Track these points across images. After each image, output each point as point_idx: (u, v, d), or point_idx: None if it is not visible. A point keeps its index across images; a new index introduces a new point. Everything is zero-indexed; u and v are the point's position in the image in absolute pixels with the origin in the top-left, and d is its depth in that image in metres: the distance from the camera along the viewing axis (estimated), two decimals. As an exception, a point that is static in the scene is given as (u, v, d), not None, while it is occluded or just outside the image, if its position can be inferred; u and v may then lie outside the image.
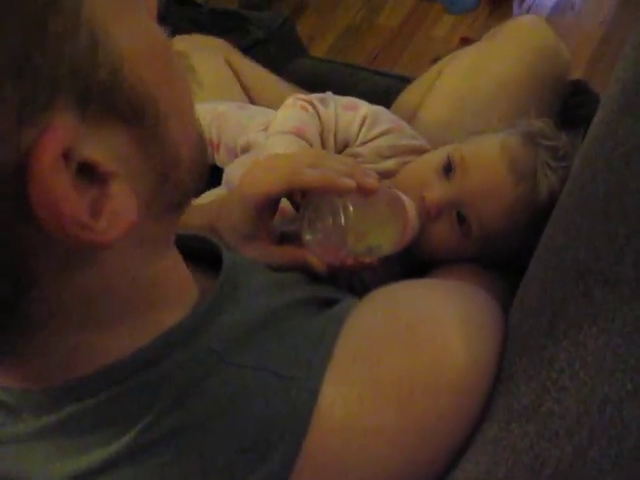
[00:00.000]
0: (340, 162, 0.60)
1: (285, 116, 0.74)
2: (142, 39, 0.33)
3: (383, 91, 1.12)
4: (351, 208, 0.55)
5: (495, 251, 0.66)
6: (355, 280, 0.68)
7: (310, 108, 0.74)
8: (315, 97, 0.76)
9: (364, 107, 0.75)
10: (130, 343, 0.39)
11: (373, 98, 1.11)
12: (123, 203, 0.32)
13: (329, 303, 0.50)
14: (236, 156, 0.88)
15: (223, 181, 0.89)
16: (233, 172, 0.86)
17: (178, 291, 0.43)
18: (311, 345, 0.43)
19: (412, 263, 0.72)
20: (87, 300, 0.36)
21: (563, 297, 0.42)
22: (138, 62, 0.32)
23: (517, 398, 0.40)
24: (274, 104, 1.03)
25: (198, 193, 0.47)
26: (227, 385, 0.41)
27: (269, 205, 0.59)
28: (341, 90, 1.16)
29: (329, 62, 1.25)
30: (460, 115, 0.84)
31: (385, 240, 0.61)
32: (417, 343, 0.44)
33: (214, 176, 0.90)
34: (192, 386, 0.40)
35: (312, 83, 1.19)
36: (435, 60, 1.02)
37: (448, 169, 0.65)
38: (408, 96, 0.95)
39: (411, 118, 0.90)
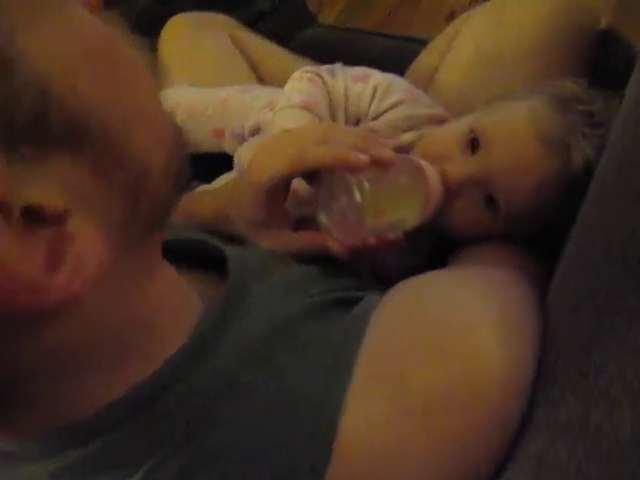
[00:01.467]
0: (351, 134, 0.55)
1: (292, 90, 0.69)
2: (70, 43, 0.27)
3: (398, 56, 1.05)
4: (366, 184, 0.51)
5: (526, 228, 0.60)
6: (378, 263, 0.64)
7: (318, 80, 0.69)
8: (323, 69, 0.70)
9: (375, 77, 0.69)
10: (127, 381, 0.35)
11: (388, 64, 1.05)
12: (86, 243, 0.27)
13: (350, 301, 0.46)
14: (245, 141, 0.84)
15: (235, 165, 0.85)
16: (244, 155, 0.82)
17: (176, 315, 0.39)
18: (329, 362, 0.38)
19: (436, 243, 0.67)
20: (65, 354, 0.31)
21: (609, 289, 0.37)
22: (70, 73, 0.26)
23: (561, 411, 0.35)
24: (283, 79, 0.98)
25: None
26: (240, 412, 0.37)
27: (279, 189, 0.55)
28: (353, 58, 1.10)
29: (339, 29, 1.19)
30: (481, 78, 0.77)
31: (407, 213, 0.56)
32: (447, 354, 0.38)
33: (224, 162, 0.87)
34: (202, 418, 0.36)
35: (323, 53, 1.13)
36: (450, 16, 0.95)
37: (473, 144, 0.59)
38: (425, 59, 0.89)
39: (428, 83, 0.84)
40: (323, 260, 0.55)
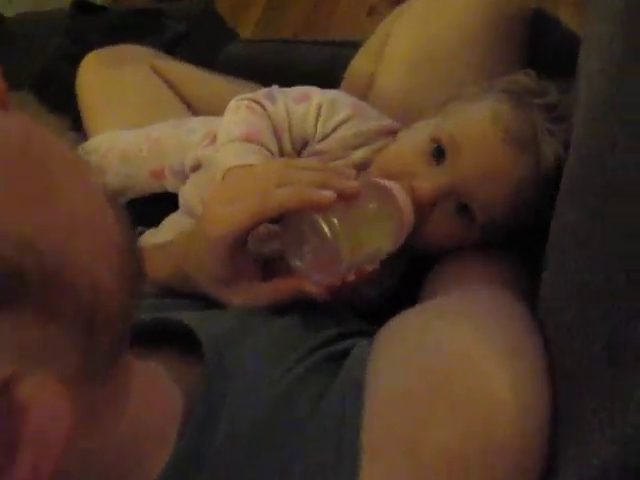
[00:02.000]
0: (310, 169, 0.51)
1: (231, 122, 0.64)
2: None
3: (329, 62, 1.02)
4: (335, 221, 0.47)
5: (502, 231, 0.58)
6: (356, 296, 0.60)
7: (257, 107, 0.64)
8: (261, 95, 0.66)
9: (317, 95, 0.65)
10: None
11: (320, 72, 1.03)
12: (45, 410, 0.22)
13: (339, 357, 0.42)
14: (186, 177, 0.79)
15: (180, 205, 0.80)
16: (189, 194, 0.78)
17: (159, 426, 0.35)
18: (332, 445, 0.35)
19: (410, 259, 0.64)
20: None
21: (620, 307, 0.34)
22: None
23: (592, 448, 0.33)
24: (213, 103, 0.93)
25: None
26: None
27: (241, 241, 0.50)
28: (283, 70, 1.07)
29: (263, 42, 1.14)
30: (422, 77, 0.74)
31: (383, 241, 0.53)
32: (457, 402, 0.35)
33: (167, 202, 0.82)
34: None
35: (249, 68, 1.09)
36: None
37: (438, 154, 0.56)
38: (359, 64, 0.85)
39: (367, 90, 0.81)
40: (299, 305, 0.51)
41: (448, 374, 0.37)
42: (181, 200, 0.80)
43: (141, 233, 0.88)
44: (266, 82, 0.99)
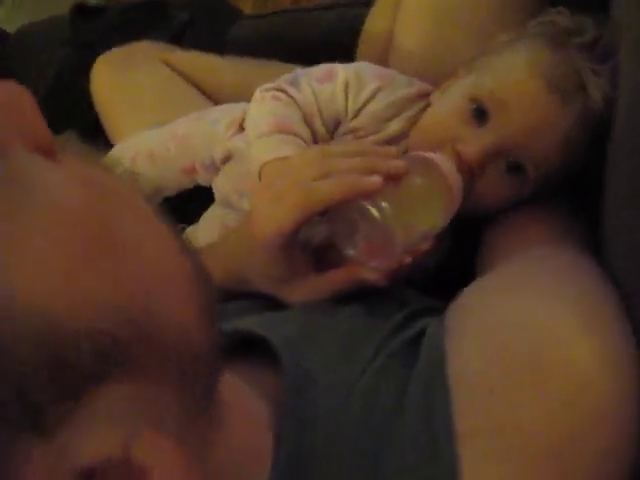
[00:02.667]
0: (350, 154, 0.49)
1: (259, 114, 0.63)
2: (55, 254, 0.21)
3: (336, 26, 0.99)
4: (385, 204, 0.46)
5: (556, 184, 0.56)
6: (413, 273, 0.59)
7: (282, 96, 0.62)
8: (284, 81, 0.64)
9: (341, 72, 0.63)
10: None
11: (339, 40, 1.00)
12: (165, 467, 0.22)
13: (412, 342, 0.42)
14: (218, 170, 0.78)
15: (216, 198, 0.80)
16: (224, 186, 0.77)
17: (253, 443, 0.34)
18: (425, 441, 0.34)
19: (463, 222, 0.63)
20: None
21: None
22: (72, 302, 0.21)
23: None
24: (234, 90, 0.91)
25: None
26: None
27: (293, 239, 0.49)
28: (298, 43, 1.04)
29: (267, 16, 1.11)
30: (444, 29, 0.71)
31: (435, 217, 0.51)
32: (543, 384, 0.34)
33: (203, 194, 0.81)
34: None
35: (261, 46, 1.06)
36: None
37: (480, 114, 0.54)
38: (374, 23, 0.82)
39: (387, 51, 0.78)
40: (358, 292, 0.50)
41: (532, 353, 0.36)
42: (216, 193, 0.79)
43: (182, 230, 0.88)
44: (278, 57, 0.97)
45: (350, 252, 0.49)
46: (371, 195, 0.45)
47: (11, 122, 0.23)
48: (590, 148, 0.52)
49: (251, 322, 0.45)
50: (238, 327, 0.43)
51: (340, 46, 0.91)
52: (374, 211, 0.45)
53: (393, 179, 0.46)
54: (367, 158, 0.47)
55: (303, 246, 0.53)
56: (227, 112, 0.79)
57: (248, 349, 0.43)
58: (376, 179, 0.44)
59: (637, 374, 0.36)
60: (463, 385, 0.36)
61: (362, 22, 0.87)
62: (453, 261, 0.65)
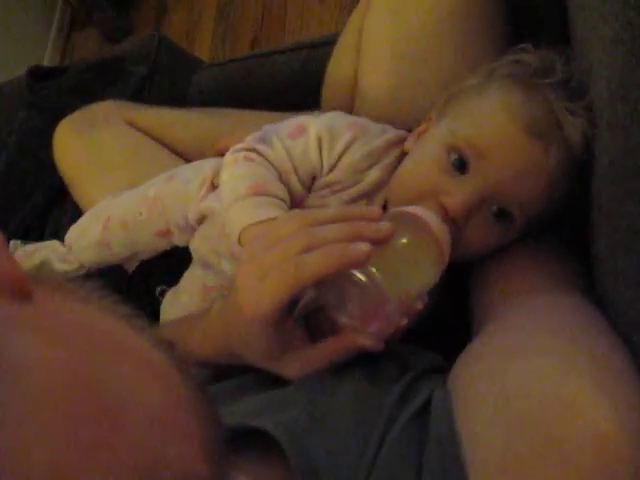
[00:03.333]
0: (333, 219, 0.47)
1: (233, 177, 0.61)
2: None
3: (299, 70, 0.98)
4: (374, 270, 0.44)
5: (542, 224, 0.55)
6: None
7: (255, 156, 0.60)
8: (254, 140, 0.62)
9: (312, 126, 0.61)
10: None
11: (293, 82, 0.99)
12: None
13: (420, 413, 0.40)
14: (194, 230, 0.76)
15: (194, 259, 0.78)
16: (200, 248, 0.75)
17: None
18: None
19: (455, 270, 0.61)
20: None
21: None
22: None
23: None
24: (201, 145, 0.90)
25: None
26: None
27: (284, 315, 0.47)
28: (255, 88, 1.03)
29: (228, 63, 1.09)
30: (408, 69, 0.70)
31: (427, 275, 0.50)
32: (565, 455, 0.33)
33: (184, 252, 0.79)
34: None
35: (222, 95, 1.06)
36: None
37: (460, 164, 0.53)
38: (338, 71, 0.81)
39: (352, 95, 0.77)
40: (357, 359, 0.49)
41: (546, 426, 0.34)
42: (194, 254, 0.77)
43: (162, 292, 0.86)
44: (241, 104, 0.96)
45: (344, 320, 0.47)
46: (363, 263, 0.44)
47: None
48: (573, 186, 0.51)
49: (252, 408, 0.42)
50: (241, 422, 0.41)
51: (307, 89, 0.91)
52: (363, 278, 0.44)
53: (380, 243, 0.45)
54: (352, 224, 0.45)
55: (295, 317, 0.51)
56: (198, 170, 0.78)
57: (251, 439, 0.40)
58: (364, 247, 0.43)
59: None
60: (480, 467, 0.34)
61: (317, 61, 0.86)
62: (446, 302, 0.63)
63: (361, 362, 0.48)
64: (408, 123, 0.65)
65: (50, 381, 0.19)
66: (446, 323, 0.65)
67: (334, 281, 0.46)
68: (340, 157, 0.60)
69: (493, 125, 0.52)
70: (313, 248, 0.44)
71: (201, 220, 0.74)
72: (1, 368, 0.18)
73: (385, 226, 0.45)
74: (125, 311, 0.25)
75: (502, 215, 0.53)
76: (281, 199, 0.58)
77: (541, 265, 0.53)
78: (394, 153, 0.61)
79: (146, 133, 0.94)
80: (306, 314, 0.54)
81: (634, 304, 0.41)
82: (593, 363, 0.37)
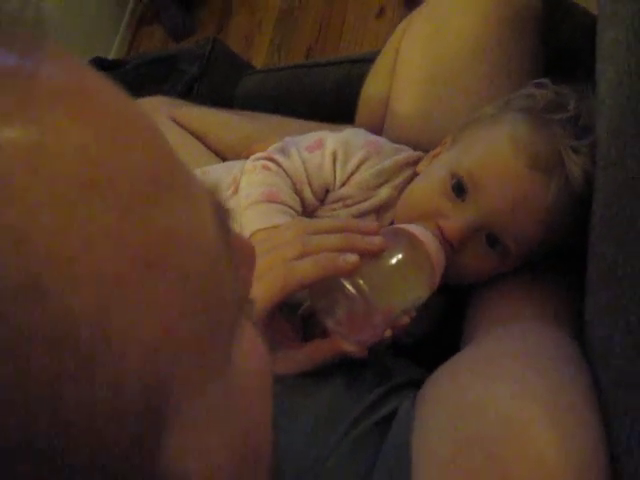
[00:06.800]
0: (329, 229, 0.50)
1: (250, 184, 0.64)
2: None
3: (344, 82, 1.01)
4: (362, 282, 0.47)
5: (538, 255, 0.56)
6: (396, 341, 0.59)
7: (272, 165, 0.64)
8: (274, 150, 0.65)
9: (329, 141, 0.64)
10: None
11: (337, 94, 1.02)
12: None
13: (384, 421, 0.42)
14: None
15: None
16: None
17: None
18: None
19: (452, 292, 0.63)
20: None
21: None
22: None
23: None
24: (240, 147, 0.93)
25: None
26: None
27: (272, 314, 0.50)
28: (302, 97, 1.06)
29: (276, 71, 1.13)
30: (437, 95, 0.72)
31: (416, 291, 0.51)
32: (507, 474, 0.34)
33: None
34: None
35: (267, 100, 1.09)
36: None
37: (459, 190, 0.54)
38: (372, 89, 0.83)
39: (384, 114, 0.79)
40: (343, 364, 0.51)
41: (493, 446, 0.36)
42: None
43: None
44: (285, 111, 0.99)
45: (331, 325, 0.49)
46: (350, 272, 0.46)
47: None
48: (572, 223, 0.52)
49: None
50: None
51: (348, 103, 0.93)
52: (351, 289, 0.46)
53: (371, 256, 0.47)
54: (346, 236, 0.48)
55: (288, 317, 0.54)
56: (229, 170, 0.81)
57: None
58: (352, 258, 0.45)
59: (604, 461, 0.36)
60: (425, 478, 0.36)
61: (356, 77, 0.88)
62: (450, 325, 0.65)
63: (345, 368, 0.50)
64: (434, 146, 0.67)
65: None
66: (447, 345, 0.67)
67: (326, 289, 0.48)
68: (352, 173, 0.63)
69: (496, 156, 0.54)
70: (306, 255, 0.47)
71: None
72: None
73: (377, 240, 0.47)
74: None
75: (495, 245, 0.54)
76: (292, 208, 0.61)
77: (529, 295, 0.54)
78: (407, 173, 0.63)
79: (188, 131, 0.99)
80: (304, 317, 0.57)
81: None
82: (551, 393, 0.38)
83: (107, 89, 0.21)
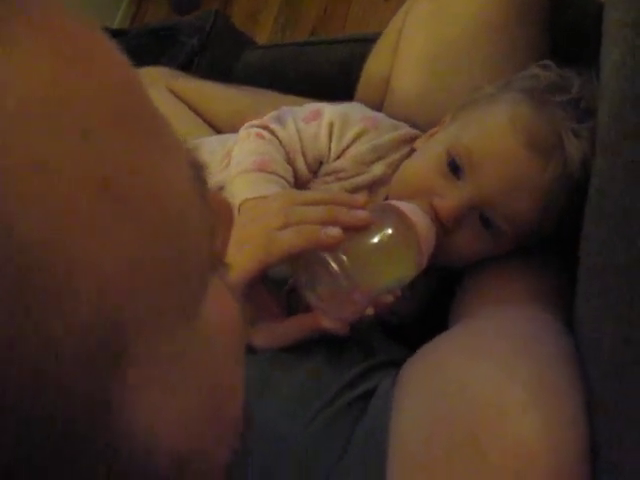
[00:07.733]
0: (316, 201, 0.49)
1: (242, 152, 0.63)
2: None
3: (347, 61, 0.99)
4: (345, 258, 0.45)
5: (533, 239, 0.55)
6: (381, 319, 0.58)
7: (266, 134, 0.62)
8: (269, 118, 0.64)
9: (327, 112, 0.63)
10: None
11: (339, 73, 1.00)
12: None
13: (362, 397, 0.41)
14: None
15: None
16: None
17: None
18: None
19: (443, 274, 0.62)
20: None
21: None
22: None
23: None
24: (236, 121, 0.92)
25: None
26: None
27: (253, 285, 0.49)
28: (302, 74, 1.04)
29: (279, 46, 1.12)
30: (440, 74, 0.70)
31: (402, 270, 0.50)
32: (485, 459, 0.33)
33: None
34: None
35: (268, 76, 1.07)
36: None
37: (455, 168, 0.53)
38: (374, 67, 0.82)
39: (384, 91, 0.78)
40: (327, 339, 0.50)
41: (472, 426, 0.35)
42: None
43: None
44: (286, 88, 0.98)
45: (312, 300, 0.48)
46: (332, 246, 0.45)
47: None
48: (566, 208, 0.51)
49: None
50: None
51: (349, 83, 0.92)
52: (333, 264, 0.45)
53: (356, 230, 0.46)
54: (330, 208, 0.47)
55: (273, 292, 0.53)
56: (223, 142, 0.80)
57: None
58: (335, 232, 0.44)
59: (585, 448, 0.35)
60: (401, 457, 0.35)
61: (358, 57, 0.87)
62: (439, 306, 0.64)
63: (327, 345, 0.49)
64: (433, 125, 0.66)
65: None
66: (435, 326, 0.66)
67: (309, 263, 0.47)
68: (348, 146, 0.61)
69: (495, 135, 0.52)
70: (289, 226, 0.46)
71: (220, 190, 0.77)
72: None
73: (363, 215, 0.46)
74: None
75: (489, 226, 0.53)
76: (284, 178, 0.60)
77: (521, 279, 0.53)
78: (404, 150, 0.62)
79: (185, 103, 0.97)
80: (289, 293, 0.56)
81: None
82: (535, 376, 0.37)
83: (80, 24, 0.20)
